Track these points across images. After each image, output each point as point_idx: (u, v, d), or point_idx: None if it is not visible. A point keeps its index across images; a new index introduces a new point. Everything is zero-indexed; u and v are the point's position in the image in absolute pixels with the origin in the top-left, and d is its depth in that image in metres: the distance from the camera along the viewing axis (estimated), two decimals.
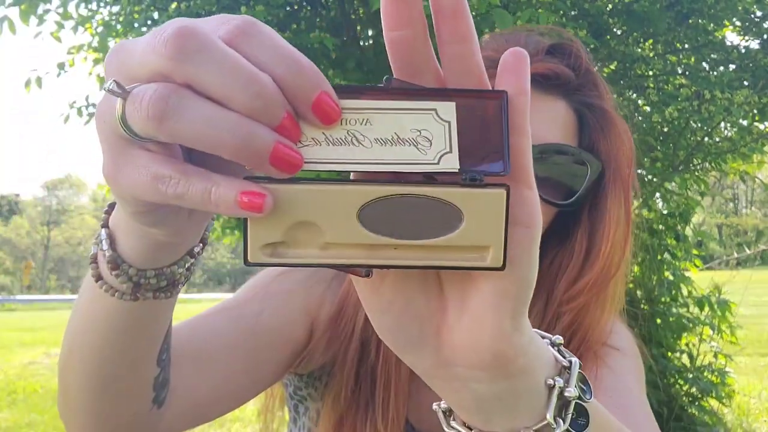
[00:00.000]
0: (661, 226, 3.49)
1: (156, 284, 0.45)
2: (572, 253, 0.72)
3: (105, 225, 0.44)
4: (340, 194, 0.32)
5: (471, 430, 0.39)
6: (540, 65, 0.70)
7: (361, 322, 0.72)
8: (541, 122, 0.69)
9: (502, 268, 0.33)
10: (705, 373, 3.45)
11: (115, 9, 3.28)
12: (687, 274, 3.57)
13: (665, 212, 3.57)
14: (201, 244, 0.46)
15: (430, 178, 0.34)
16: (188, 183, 0.31)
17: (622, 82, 3.53)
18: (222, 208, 0.31)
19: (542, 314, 0.72)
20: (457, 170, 0.33)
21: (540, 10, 2.57)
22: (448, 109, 0.33)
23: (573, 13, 3.09)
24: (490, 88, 0.34)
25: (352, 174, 0.35)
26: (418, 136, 0.33)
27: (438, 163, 0.33)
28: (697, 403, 3.43)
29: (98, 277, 0.45)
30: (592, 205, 0.73)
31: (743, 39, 3.52)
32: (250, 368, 0.68)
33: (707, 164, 3.64)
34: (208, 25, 0.31)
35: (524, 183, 0.34)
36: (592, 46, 2.86)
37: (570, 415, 0.38)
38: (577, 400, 0.38)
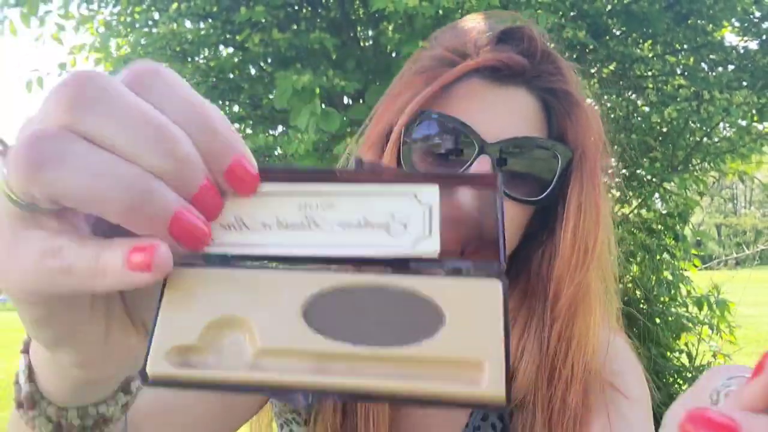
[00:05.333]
0: (660, 226, 3.50)
1: (81, 425, 0.37)
2: (556, 251, 0.66)
3: (25, 350, 0.37)
4: (279, 281, 0.26)
5: None
6: (489, 57, 0.63)
7: None
8: (502, 116, 0.63)
9: (506, 404, 0.24)
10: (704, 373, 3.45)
11: (117, 9, 3.29)
12: (686, 273, 3.58)
13: (664, 212, 3.58)
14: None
15: (401, 267, 0.27)
16: (77, 251, 0.25)
17: (621, 82, 3.53)
18: (110, 278, 0.25)
19: (541, 327, 0.66)
20: (436, 256, 0.26)
21: (539, 11, 2.58)
22: (429, 192, 0.27)
23: (572, 13, 3.09)
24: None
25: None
26: (392, 219, 0.26)
27: (413, 248, 0.26)
28: None
29: (19, 404, 0.37)
30: (563, 197, 0.67)
31: (742, 39, 3.53)
32: (218, 413, 0.64)
33: (706, 164, 3.65)
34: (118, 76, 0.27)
35: None
36: (591, 46, 2.87)
37: None
38: None
